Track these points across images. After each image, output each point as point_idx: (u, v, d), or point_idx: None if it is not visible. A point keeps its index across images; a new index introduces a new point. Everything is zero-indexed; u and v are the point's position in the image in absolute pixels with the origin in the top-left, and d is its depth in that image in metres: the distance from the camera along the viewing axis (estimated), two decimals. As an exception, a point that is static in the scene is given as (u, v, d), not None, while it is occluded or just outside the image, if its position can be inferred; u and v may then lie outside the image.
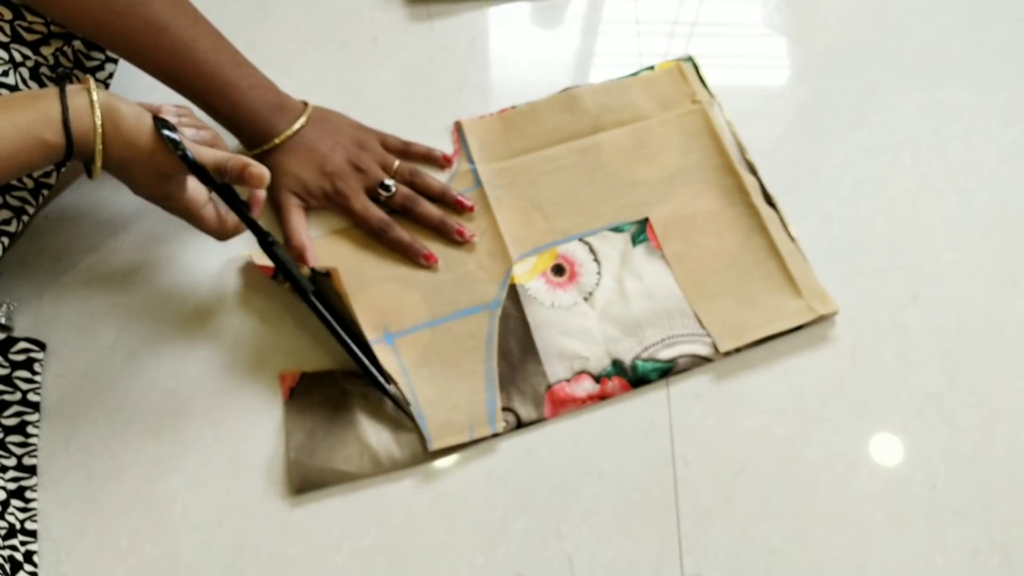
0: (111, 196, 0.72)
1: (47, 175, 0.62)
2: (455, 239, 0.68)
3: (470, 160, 0.73)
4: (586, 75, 0.79)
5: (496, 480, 0.61)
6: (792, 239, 0.68)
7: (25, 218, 0.61)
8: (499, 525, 0.60)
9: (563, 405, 0.63)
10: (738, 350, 0.64)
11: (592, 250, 0.69)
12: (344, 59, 0.79)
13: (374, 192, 0.69)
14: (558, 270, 0.68)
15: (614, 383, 0.63)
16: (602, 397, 0.63)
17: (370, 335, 0.64)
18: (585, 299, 0.67)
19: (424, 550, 0.59)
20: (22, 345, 0.63)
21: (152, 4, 0.60)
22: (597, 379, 0.63)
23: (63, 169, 0.63)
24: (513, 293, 0.67)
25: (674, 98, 0.75)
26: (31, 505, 0.59)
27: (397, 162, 0.70)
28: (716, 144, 0.72)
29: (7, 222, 0.60)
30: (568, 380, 0.64)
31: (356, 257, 0.69)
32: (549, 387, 0.63)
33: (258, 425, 0.63)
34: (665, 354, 0.64)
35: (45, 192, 0.62)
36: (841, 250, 0.70)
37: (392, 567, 0.58)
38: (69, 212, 0.71)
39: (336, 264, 0.68)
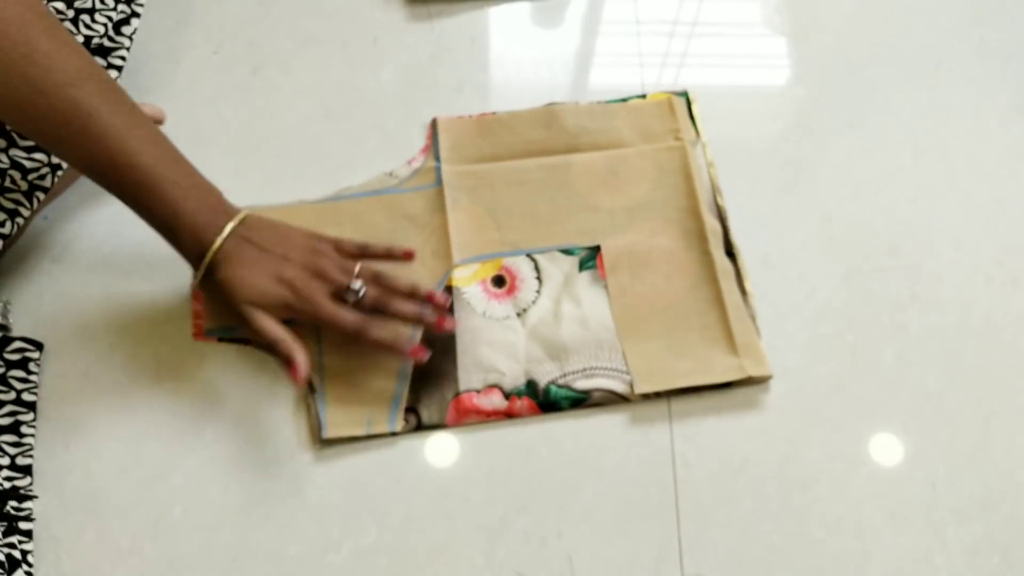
0: (111, 196, 0.72)
1: (42, 178, 0.62)
2: (438, 332, 0.63)
3: (436, 158, 0.72)
4: (586, 75, 0.79)
5: (496, 480, 0.61)
6: (744, 294, 0.67)
7: (20, 220, 0.61)
8: (499, 525, 0.60)
9: (467, 415, 0.62)
10: (658, 395, 0.63)
11: (537, 267, 0.68)
12: (344, 59, 0.79)
13: (340, 298, 0.61)
14: (499, 281, 0.67)
15: (523, 403, 0.63)
16: (508, 415, 0.62)
17: None
18: (518, 314, 0.66)
19: (424, 550, 0.59)
20: (17, 344, 0.62)
21: (84, 86, 0.54)
22: (507, 396, 0.63)
23: (59, 173, 0.64)
24: (447, 295, 0.66)
25: (658, 131, 0.74)
26: (25, 505, 0.59)
27: (358, 265, 0.62)
28: (688, 185, 0.70)
29: (1, 224, 0.60)
30: (478, 391, 0.63)
31: None
32: (457, 394, 0.63)
33: (258, 425, 0.63)
34: (581, 384, 0.63)
35: (40, 195, 0.62)
36: (841, 250, 0.70)
37: (392, 567, 0.58)
38: (69, 212, 0.71)
39: None
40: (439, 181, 0.71)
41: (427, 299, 0.63)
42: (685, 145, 0.72)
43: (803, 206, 0.71)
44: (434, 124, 0.74)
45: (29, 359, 0.63)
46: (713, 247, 0.68)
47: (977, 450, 0.62)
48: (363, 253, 0.64)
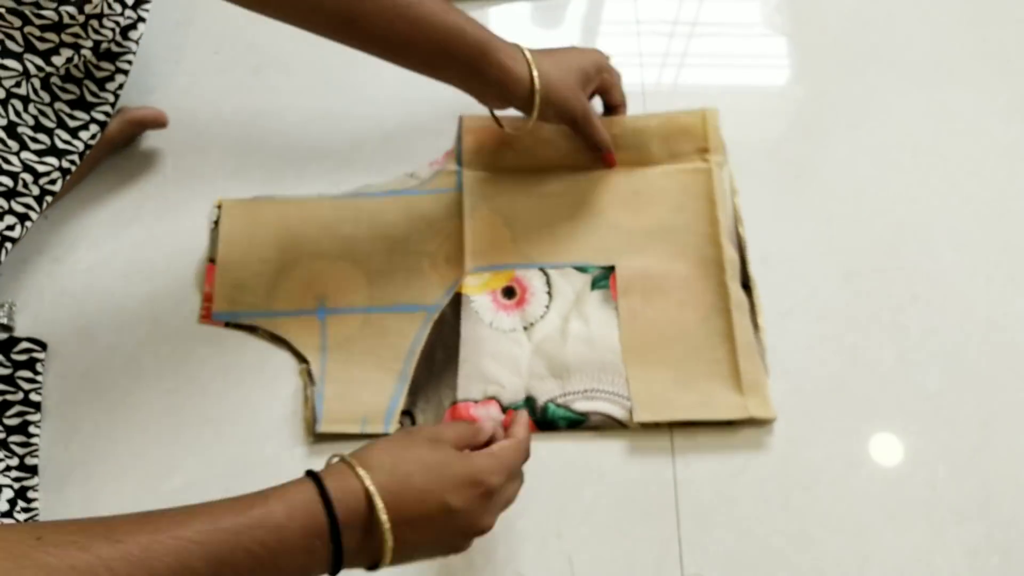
0: (111, 196, 0.72)
1: (52, 182, 0.63)
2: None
3: (458, 162, 0.72)
4: (586, 75, 0.79)
5: (496, 480, 0.61)
6: (757, 328, 0.65)
7: (29, 224, 0.62)
8: (499, 525, 0.59)
9: None
10: (657, 425, 0.62)
11: (549, 282, 0.67)
12: (344, 59, 0.79)
13: None
14: (508, 292, 0.67)
15: None
16: (504, 428, 0.62)
17: (304, 304, 0.66)
18: (525, 328, 0.65)
19: (424, 550, 0.59)
20: (24, 345, 0.63)
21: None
22: (504, 409, 0.62)
23: (68, 178, 0.64)
24: (456, 302, 0.66)
25: (686, 151, 0.72)
26: (33, 505, 0.59)
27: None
28: (710, 211, 0.69)
29: (11, 228, 0.61)
30: (476, 402, 0.62)
31: (318, 228, 0.69)
32: (455, 403, 0.62)
33: (259, 425, 0.63)
34: (581, 406, 0.62)
35: (48, 199, 0.63)
36: (841, 250, 0.70)
37: (392, 567, 0.58)
38: (69, 212, 0.71)
39: (301, 230, 0.69)
40: (459, 186, 0.71)
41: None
42: (712, 168, 0.70)
43: (803, 206, 0.71)
44: (460, 122, 0.74)
45: (35, 359, 0.63)
46: (729, 278, 0.66)
47: (977, 450, 0.62)
48: None
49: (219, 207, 0.70)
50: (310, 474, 0.44)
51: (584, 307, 0.66)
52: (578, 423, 0.62)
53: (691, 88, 0.78)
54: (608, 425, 0.62)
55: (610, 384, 0.63)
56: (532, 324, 0.65)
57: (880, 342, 0.66)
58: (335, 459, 0.46)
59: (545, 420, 0.62)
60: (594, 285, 0.67)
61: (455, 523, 0.47)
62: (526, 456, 0.53)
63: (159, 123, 0.72)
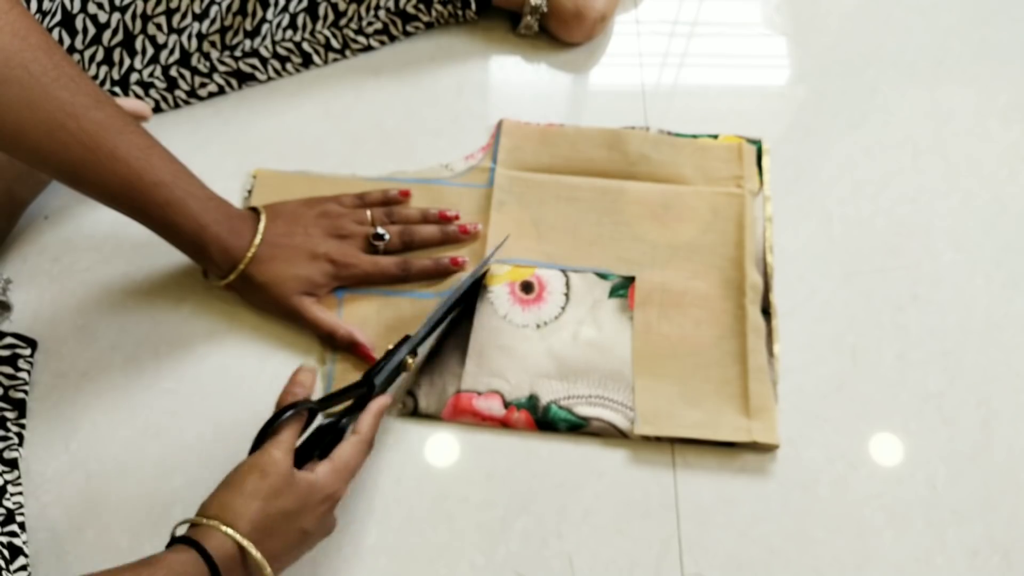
0: (111, 196, 0.72)
1: None
2: (463, 239, 0.69)
3: (494, 159, 0.73)
4: (586, 75, 0.79)
5: (496, 480, 0.61)
6: (772, 355, 0.64)
7: None
8: (499, 525, 0.60)
9: (463, 414, 0.62)
10: (659, 439, 0.62)
11: (568, 284, 0.67)
12: (344, 60, 0.79)
13: (370, 247, 0.66)
14: (527, 287, 0.67)
15: (520, 415, 0.62)
16: (504, 423, 0.62)
17: None
18: (538, 326, 0.65)
19: (424, 550, 0.59)
20: (8, 341, 0.62)
21: (105, 108, 0.54)
22: (506, 405, 0.62)
23: None
24: (473, 290, 0.66)
25: (721, 175, 0.72)
26: (16, 500, 0.58)
27: (368, 211, 0.68)
28: (739, 235, 0.69)
29: None
30: (480, 393, 0.63)
31: None
32: (458, 391, 0.63)
33: (258, 425, 0.63)
34: (583, 411, 0.62)
35: None
36: (841, 250, 0.70)
37: (392, 567, 0.58)
38: (69, 212, 0.71)
39: None
40: (491, 183, 0.71)
41: (441, 218, 0.69)
42: (745, 194, 0.70)
43: (803, 206, 0.72)
44: (499, 125, 0.75)
45: (19, 356, 0.62)
46: (750, 302, 0.66)
47: (977, 450, 0.62)
48: (363, 202, 0.69)
49: (255, 176, 0.72)
50: (184, 540, 0.47)
51: (600, 313, 0.66)
52: (578, 427, 0.62)
53: (691, 88, 0.78)
54: (608, 433, 0.62)
55: (615, 392, 0.63)
56: (545, 323, 0.66)
57: (880, 342, 0.66)
58: (184, 525, 0.49)
59: (546, 420, 0.62)
60: (612, 293, 0.67)
61: (312, 538, 0.54)
62: (368, 450, 0.56)
63: (140, 117, 0.70)
